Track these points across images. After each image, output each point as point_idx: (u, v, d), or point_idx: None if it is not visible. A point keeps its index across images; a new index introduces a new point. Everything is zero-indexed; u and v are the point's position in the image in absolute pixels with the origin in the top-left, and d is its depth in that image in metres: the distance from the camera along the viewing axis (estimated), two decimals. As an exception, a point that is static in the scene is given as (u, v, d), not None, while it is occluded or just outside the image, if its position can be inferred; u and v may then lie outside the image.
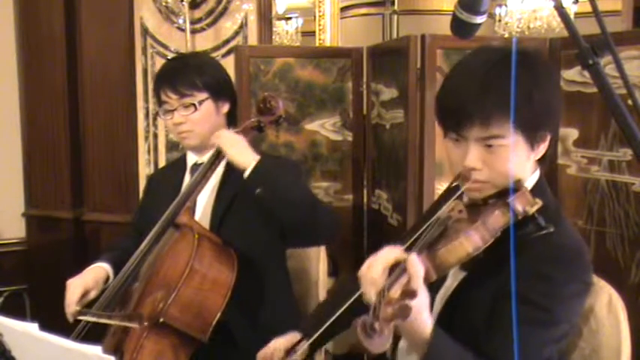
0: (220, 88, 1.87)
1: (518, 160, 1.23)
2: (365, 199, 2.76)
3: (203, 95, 1.82)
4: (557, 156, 2.24)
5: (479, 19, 1.09)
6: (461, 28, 1.11)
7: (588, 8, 0.99)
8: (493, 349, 1.17)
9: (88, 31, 3.16)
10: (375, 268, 1.13)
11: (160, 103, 1.87)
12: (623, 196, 2.02)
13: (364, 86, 2.69)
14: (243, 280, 1.69)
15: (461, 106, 1.20)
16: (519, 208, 1.18)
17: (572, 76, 2.16)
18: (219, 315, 1.65)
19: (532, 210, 1.19)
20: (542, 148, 1.26)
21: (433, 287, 1.30)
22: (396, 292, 1.04)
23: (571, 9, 5.55)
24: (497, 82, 1.17)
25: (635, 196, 1.98)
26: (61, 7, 3.17)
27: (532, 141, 1.23)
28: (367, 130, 2.71)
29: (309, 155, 2.68)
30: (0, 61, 3.29)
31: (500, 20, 6.22)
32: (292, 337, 1.50)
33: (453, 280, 1.32)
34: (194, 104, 1.81)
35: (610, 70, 1.06)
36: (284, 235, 1.82)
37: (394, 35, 6.03)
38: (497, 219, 1.17)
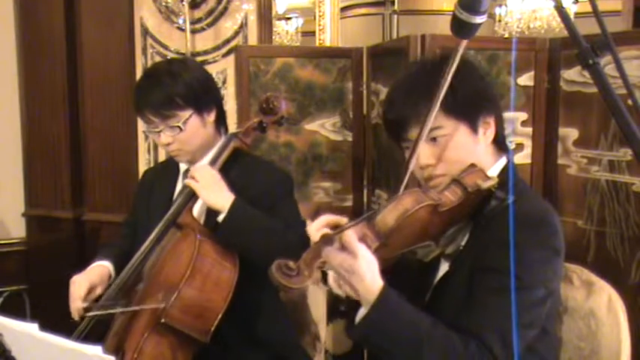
0: (203, 100, 1.78)
1: (465, 146, 1.32)
2: (365, 199, 2.75)
3: (187, 113, 1.74)
4: (557, 156, 2.24)
5: (479, 19, 1.09)
6: (461, 28, 1.11)
7: (588, 8, 0.99)
8: (472, 322, 1.21)
9: (88, 31, 3.16)
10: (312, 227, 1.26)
11: (143, 120, 1.79)
12: (623, 196, 2.02)
13: (364, 86, 2.69)
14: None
15: (397, 114, 1.36)
16: (470, 182, 1.25)
17: (572, 76, 2.16)
18: (220, 316, 1.64)
19: (484, 185, 1.25)
20: (489, 133, 1.36)
21: (427, 278, 1.38)
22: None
23: (571, 9, 5.55)
24: (418, 82, 1.34)
25: (635, 196, 1.98)
26: (61, 7, 3.17)
27: (473, 126, 1.33)
28: (367, 130, 2.71)
29: (309, 155, 2.68)
30: (0, 61, 3.29)
31: (500, 20, 6.22)
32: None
33: (441, 271, 1.38)
34: (179, 126, 1.74)
35: (610, 70, 1.06)
36: None
37: (394, 35, 6.02)
38: (445, 195, 1.25)
